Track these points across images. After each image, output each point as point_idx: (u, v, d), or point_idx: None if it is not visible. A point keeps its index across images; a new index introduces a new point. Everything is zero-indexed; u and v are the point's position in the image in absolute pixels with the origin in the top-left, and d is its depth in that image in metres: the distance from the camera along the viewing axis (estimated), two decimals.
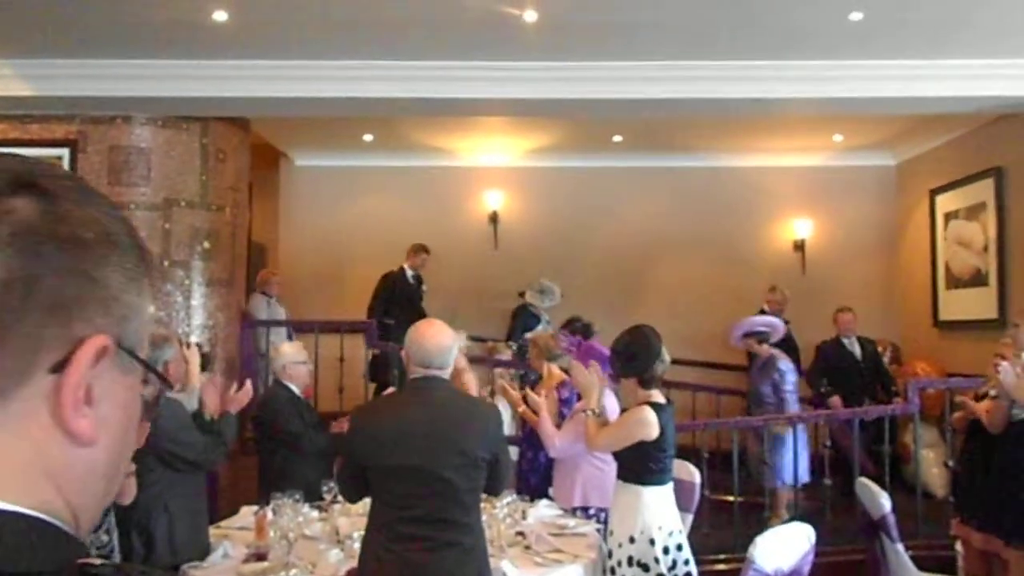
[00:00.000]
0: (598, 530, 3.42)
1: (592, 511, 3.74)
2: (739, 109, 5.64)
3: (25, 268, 0.52)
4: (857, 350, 6.55)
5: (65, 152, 5.67)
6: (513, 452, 4.66)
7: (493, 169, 8.17)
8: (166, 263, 5.69)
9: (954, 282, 7.04)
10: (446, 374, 2.47)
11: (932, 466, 6.05)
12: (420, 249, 7.37)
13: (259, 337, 6.42)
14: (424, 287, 7.39)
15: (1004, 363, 3.61)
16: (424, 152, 7.79)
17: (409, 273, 7.33)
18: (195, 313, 5.80)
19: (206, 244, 5.86)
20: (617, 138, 7.44)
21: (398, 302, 7.11)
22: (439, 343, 2.46)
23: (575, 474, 3.79)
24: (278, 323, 6.80)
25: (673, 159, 7.97)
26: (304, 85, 5.14)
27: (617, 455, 3.08)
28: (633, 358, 3.04)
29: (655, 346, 3.08)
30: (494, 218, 8.11)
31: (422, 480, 2.34)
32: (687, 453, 5.30)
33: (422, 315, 6.89)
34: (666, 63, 5.08)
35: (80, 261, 0.54)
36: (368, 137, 7.39)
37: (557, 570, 2.88)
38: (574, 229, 8.04)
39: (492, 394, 4.83)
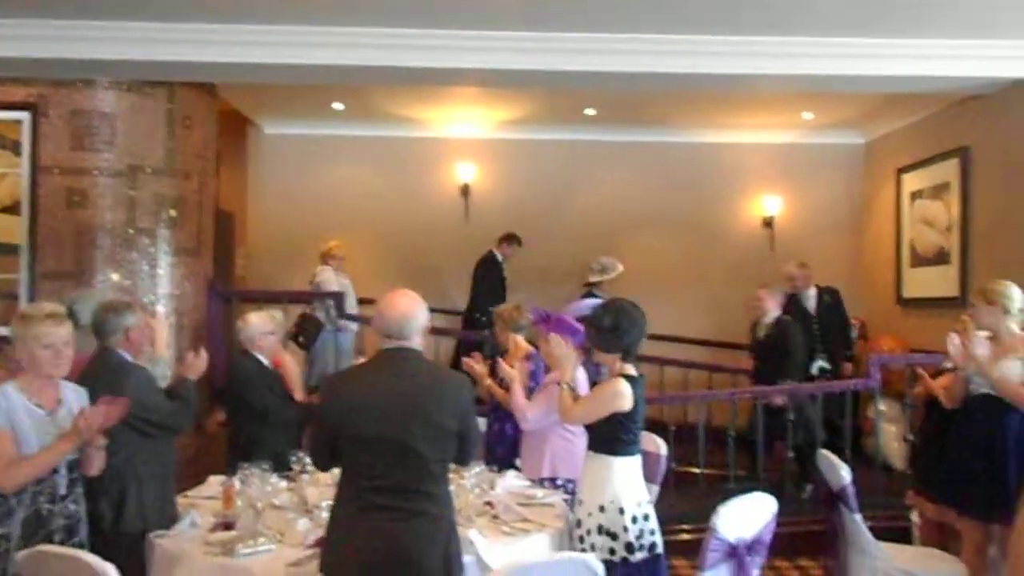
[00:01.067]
0: (566, 500, 3.46)
1: (560, 482, 3.78)
2: (711, 84, 5.65)
3: None
4: (812, 303, 6.51)
5: (25, 116, 5.53)
6: (481, 423, 4.71)
7: (465, 140, 8.11)
8: (131, 231, 5.60)
9: (918, 260, 7.17)
10: (414, 344, 2.46)
11: (893, 440, 6.19)
12: (513, 239, 7.47)
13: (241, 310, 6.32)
14: (506, 274, 7.49)
15: (954, 336, 3.71)
16: (395, 122, 7.71)
17: (500, 259, 7.46)
18: (161, 282, 5.72)
19: (172, 212, 5.77)
20: (590, 111, 7.42)
21: (490, 288, 7.25)
22: (400, 313, 2.45)
23: (544, 446, 3.83)
24: (266, 294, 6.80)
25: (645, 134, 7.98)
26: (272, 51, 5.04)
27: (589, 426, 3.11)
28: (621, 334, 3.04)
29: (640, 322, 3.09)
30: (465, 190, 8.07)
31: (391, 450, 2.34)
32: (654, 426, 5.39)
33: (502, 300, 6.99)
34: (639, 36, 5.07)
35: None
36: (338, 106, 7.29)
37: (524, 539, 2.91)
38: (546, 202, 8.04)
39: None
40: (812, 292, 6.55)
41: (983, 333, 3.74)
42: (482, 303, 7.08)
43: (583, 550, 2.86)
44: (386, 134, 7.89)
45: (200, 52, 5.06)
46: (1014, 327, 3.68)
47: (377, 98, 7.02)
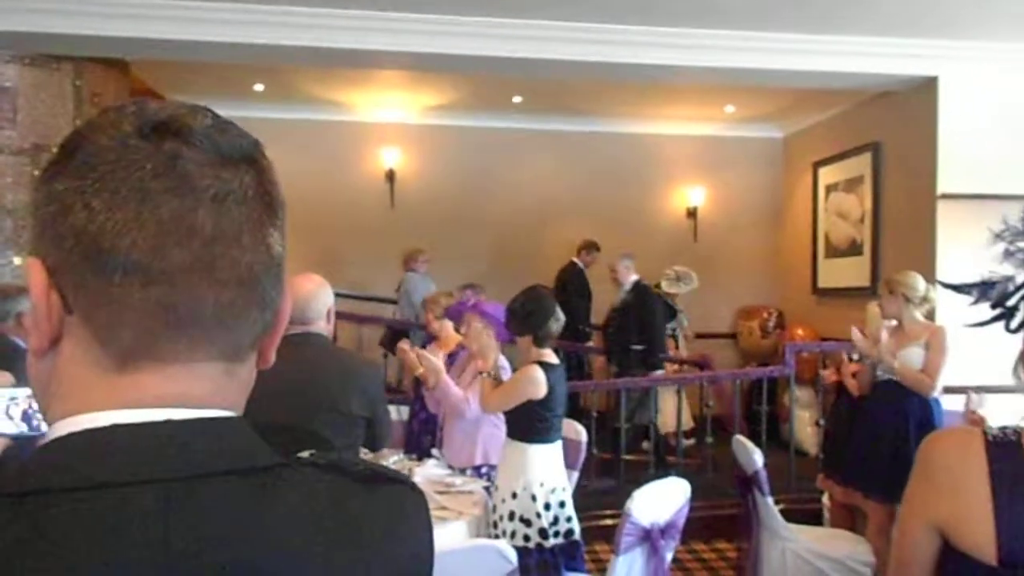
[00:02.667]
0: (486, 488, 3.44)
1: (484, 469, 3.76)
2: (633, 74, 5.70)
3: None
4: (620, 297, 6.54)
5: None
6: (404, 411, 4.65)
7: (390, 125, 8.00)
8: None
9: (832, 251, 7.39)
10: (318, 328, 2.39)
11: (807, 425, 6.38)
12: (592, 247, 7.44)
13: None
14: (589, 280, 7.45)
15: (855, 329, 3.93)
16: (318, 105, 7.54)
17: (582, 267, 7.43)
18: None
19: None
20: (517, 99, 7.40)
21: (571, 298, 7.15)
22: (302, 296, 2.37)
23: (476, 435, 3.77)
24: None
25: (572, 123, 8.01)
26: (186, 27, 4.85)
27: (507, 414, 3.10)
28: (529, 317, 3.06)
29: (550, 305, 3.10)
30: (391, 176, 7.96)
31: (296, 437, 2.27)
32: (578, 413, 5.44)
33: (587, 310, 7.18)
34: (565, 24, 5.07)
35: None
36: (259, 87, 7.08)
37: (442, 527, 2.88)
38: (472, 189, 7.99)
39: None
40: (628, 287, 6.49)
41: (890, 322, 3.89)
42: (572, 312, 7.14)
43: (498, 536, 2.86)
44: (309, 117, 7.71)
45: (108, 26, 4.81)
46: (917, 315, 3.82)
47: (299, 80, 6.85)
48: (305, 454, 0.64)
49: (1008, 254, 1.15)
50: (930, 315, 3.98)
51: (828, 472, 4.33)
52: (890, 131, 6.45)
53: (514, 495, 2.93)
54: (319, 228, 7.44)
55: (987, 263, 1.18)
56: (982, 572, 1.06)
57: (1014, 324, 1.14)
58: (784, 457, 5.67)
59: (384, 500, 0.66)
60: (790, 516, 3.88)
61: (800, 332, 7.26)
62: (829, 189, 7.46)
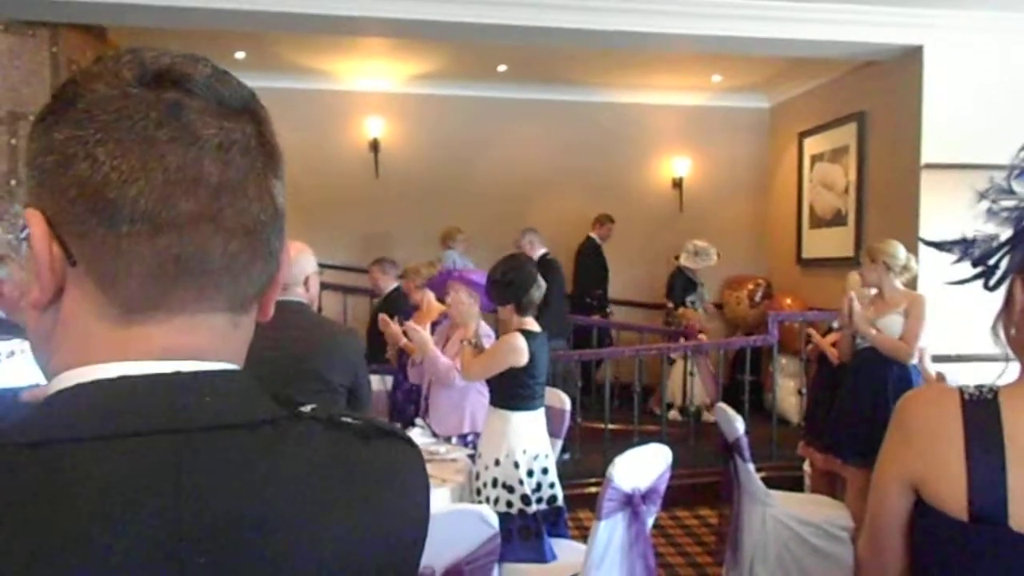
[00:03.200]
0: (471, 456, 3.46)
1: (470, 437, 3.77)
2: (621, 41, 5.64)
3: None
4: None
5: None
6: (388, 381, 4.65)
7: (374, 94, 7.91)
8: (13, 182, 5.25)
9: (817, 222, 7.41)
10: (296, 295, 2.38)
11: (790, 395, 6.44)
12: (606, 219, 7.50)
13: None
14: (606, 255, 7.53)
15: (851, 295, 3.93)
16: (301, 73, 7.44)
17: (597, 242, 7.50)
18: None
19: None
20: (502, 67, 7.33)
21: (591, 272, 7.31)
22: None
23: (463, 403, 3.76)
24: None
25: (558, 92, 7.95)
26: None
27: (488, 381, 3.11)
28: (510, 285, 3.05)
29: (531, 273, 3.10)
30: (375, 145, 7.88)
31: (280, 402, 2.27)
32: (561, 383, 5.46)
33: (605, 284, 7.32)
34: None
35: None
36: (240, 55, 6.98)
37: None
38: (457, 159, 7.94)
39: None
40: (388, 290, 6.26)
41: (871, 290, 3.92)
42: (588, 286, 7.40)
43: (481, 503, 2.88)
44: (291, 86, 7.61)
45: None
46: (898, 284, 3.85)
47: (281, 48, 6.75)
48: (306, 408, 0.64)
49: (991, 213, 1.15)
50: (911, 284, 4.01)
51: (809, 440, 4.38)
52: (875, 101, 6.44)
53: (497, 462, 2.95)
54: (303, 198, 7.37)
55: (970, 231, 1.18)
56: (953, 528, 1.07)
57: (992, 282, 1.14)
58: (767, 426, 5.73)
59: (383, 454, 0.67)
60: (772, 484, 3.93)
61: (788, 302, 7.29)
62: (814, 159, 7.46)
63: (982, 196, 1.14)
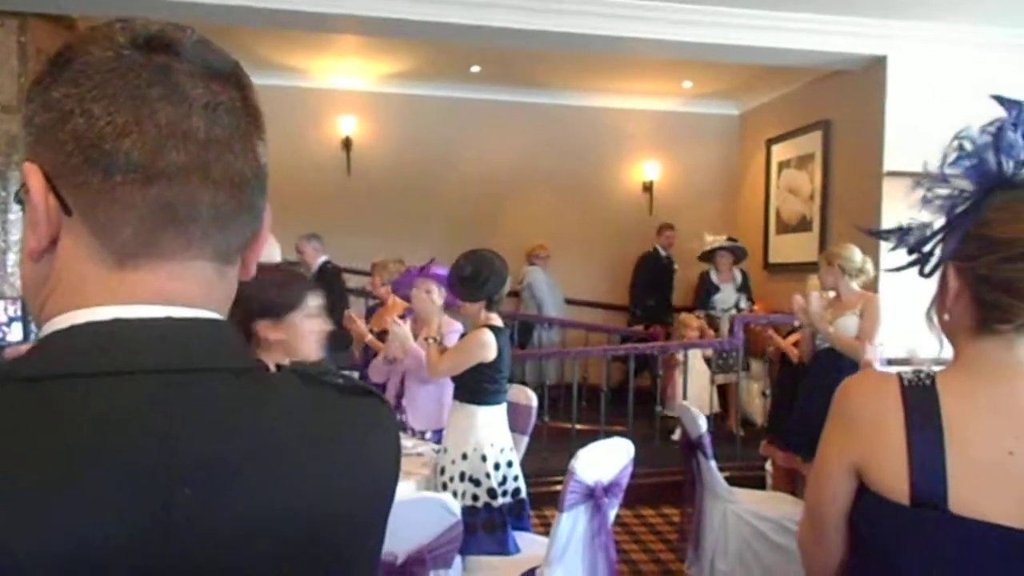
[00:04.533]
0: (436, 450, 3.47)
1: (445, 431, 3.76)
2: (594, 45, 5.70)
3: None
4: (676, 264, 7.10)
5: None
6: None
7: (347, 92, 7.91)
8: None
9: (783, 227, 7.53)
10: None
11: (756, 396, 6.53)
12: (665, 227, 7.59)
13: None
14: (675, 265, 7.60)
15: (797, 297, 4.09)
16: (273, 70, 7.42)
17: (662, 253, 7.58)
18: (12, 228, 5.34)
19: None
20: (475, 68, 7.37)
21: (653, 283, 7.38)
22: None
23: (442, 397, 3.72)
24: None
25: (531, 94, 8.00)
26: None
27: (455, 377, 3.12)
28: (485, 284, 3.05)
29: (501, 271, 3.11)
30: (347, 143, 7.88)
31: None
32: (529, 384, 5.49)
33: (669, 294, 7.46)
34: None
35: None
36: None
37: None
38: (429, 158, 7.96)
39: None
40: (315, 269, 5.95)
41: (829, 293, 4.01)
42: (641, 298, 7.52)
43: None
44: (263, 82, 7.51)
45: None
46: (853, 286, 3.97)
47: (251, 43, 6.72)
48: (286, 361, 0.70)
49: (926, 201, 1.17)
50: (870, 287, 4.11)
51: (771, 438, 4.46)
52: (840, 110, 6.57)
53: (464, 456, 2.97)
54: (274, 194, 7.26)
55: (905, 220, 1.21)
56: (895, 512, 1.08)
57: (927, 269, 1.18)
58: (732, 426, 5.81)
59: (359, 409, 0.71)
60: (735, 483, 3.99)
61: (756, 307, 7.39)
62: (782, 166, 7.59)
63: (917, 184, 1.17)
